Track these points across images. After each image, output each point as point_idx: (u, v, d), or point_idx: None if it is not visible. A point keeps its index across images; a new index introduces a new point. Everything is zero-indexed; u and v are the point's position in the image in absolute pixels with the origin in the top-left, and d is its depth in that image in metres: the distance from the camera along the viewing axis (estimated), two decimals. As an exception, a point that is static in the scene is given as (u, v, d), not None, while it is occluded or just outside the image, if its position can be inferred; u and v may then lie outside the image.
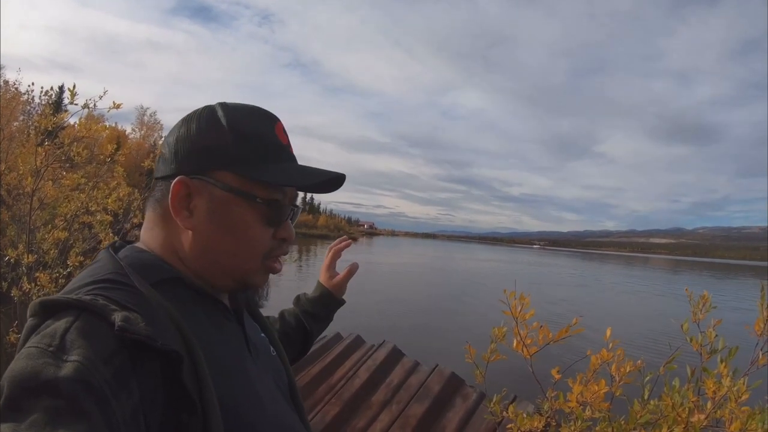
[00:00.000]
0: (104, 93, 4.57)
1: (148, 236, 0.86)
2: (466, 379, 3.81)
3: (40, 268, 4.80)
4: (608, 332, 2.33)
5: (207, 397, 0.66)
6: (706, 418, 1.95)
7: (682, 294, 2.47)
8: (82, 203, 5.24)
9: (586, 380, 2.27)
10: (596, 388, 2.16)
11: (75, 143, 4.95)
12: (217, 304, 0.86)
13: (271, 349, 1.03)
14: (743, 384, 1.90)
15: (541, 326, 2.31)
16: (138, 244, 0.86)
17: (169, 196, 0.81)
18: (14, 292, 4.41)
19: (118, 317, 0.62)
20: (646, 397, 2.16)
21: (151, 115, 54.68)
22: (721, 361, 2.02)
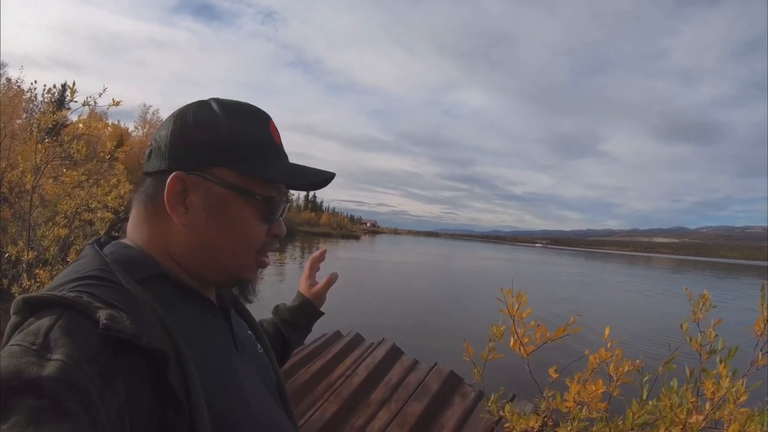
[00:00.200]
0: (104, 90, 4.57)
1: (137, 232, 0.84)
2: (464, 377, 3.81)
3: (40, 264, 4.81)
4: (607, 331, 2.32)
5: (193, 396, 0.65)
6: (704, 420, 1.94)
7: (683, 293, 2.45)
8: (82, 200, 5.25)
9: (584, 380, 2.25)
10: (593, 387, 2.14)
11: (75, 141, 4.95)
12: (203, 301, 0.85)
13: (259, 346, 1.02)
14: (742, 385, 1.89)
15: (539, 325, 2.30)
16: (124, 240, 0.84)
17: (165, 191, 0.79)
18: (15, 288, 4.42)
19: (103, 315, 0.60)
20: (644, 397, 2.15)
21: (153, 113, 54.64)
22: (721, 362, 2.01)
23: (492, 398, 2.48)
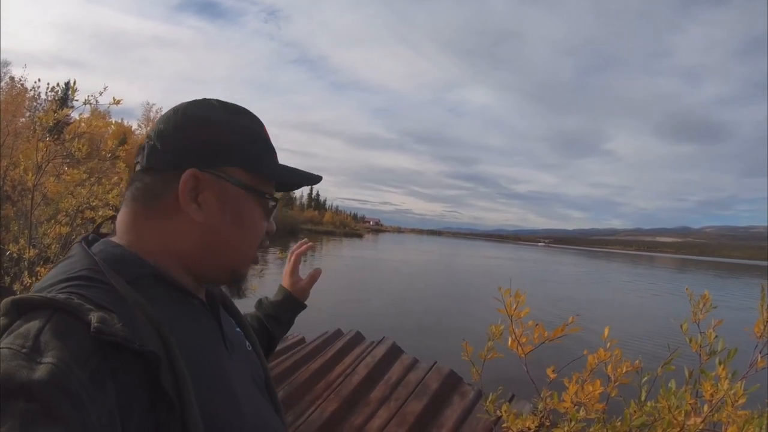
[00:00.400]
0: (104, 89, 4.57)
1: (133, 230, 0.82)
2: (464, 377, 3.81)
3: (42, 262, 4.82)
4: (606, 332, 2.31)
5: (185, 398, 0.65)
6: (702, 422, 1.93)
7: (684, 293, 2.44)
8: (84, 198, 5.26)
9: (583, 380, 2.25)
10: (591, 388, 2.14)
11: (76, 139, 4.96)
12: (194, 300, 0.85)
13: (247, 343, 1.02)
14: (740, 387, 1.87)
15: (537, 324, 2.29)
16: (113, 239, 0.83)
17: (180, 188, 0.79)
18: (16, 286, 4.43)
19: (94, 318, 0.60)
20: (643, 398, 2.14)
21: (157, 112, 54.66)
22: (720, 363, 2.00)
23: (490, 398, 2.47)
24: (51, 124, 4.67)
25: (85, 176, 5.45)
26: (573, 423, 2.08)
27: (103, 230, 0.91)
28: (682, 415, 1.92)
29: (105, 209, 5.31)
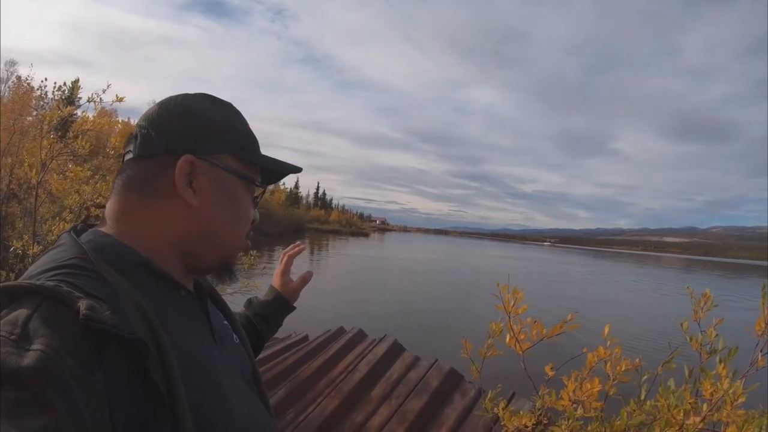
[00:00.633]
0: (108, 87, 4.58)
1: (124, 219, 0.82)
2: (465, 375, 3.81)
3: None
4: (606, 329, 2.30)
5: (174, 387, 0.65)
6: (701, 421, 1.92)
7: (687, 293, 2.44)
8: (89, 195, 5.27)
9: (582, 378, 2.24)
10: (589, 386, 2.13)
11: (80, 136, 4.97)
12: (181, 290, 0.85)
13: (234, 336, 1.02)
14: (740, 386, 1.86)
15: (535, 322, 2.29)
16: (102, 228, 0.83)
17: (176, 174, 0.80)
18: (21, 282, 4.44)
19: (83, 305, 0.59)
20: (642, 397, 2.13)
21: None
22: (720, 362, 1.99)
23: (489, 396, 2.47)
24: (56, 121, 4.69)
25: (89, 174, 5.47)
26: (571, 421, 2.07)
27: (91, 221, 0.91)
28: (681, 414, 1.91)
29: (99, 210, 5.32)
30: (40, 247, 4.79)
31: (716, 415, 1.90)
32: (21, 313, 0.58)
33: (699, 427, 1.91)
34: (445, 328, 15.27)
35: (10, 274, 4.89)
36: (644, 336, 14.77)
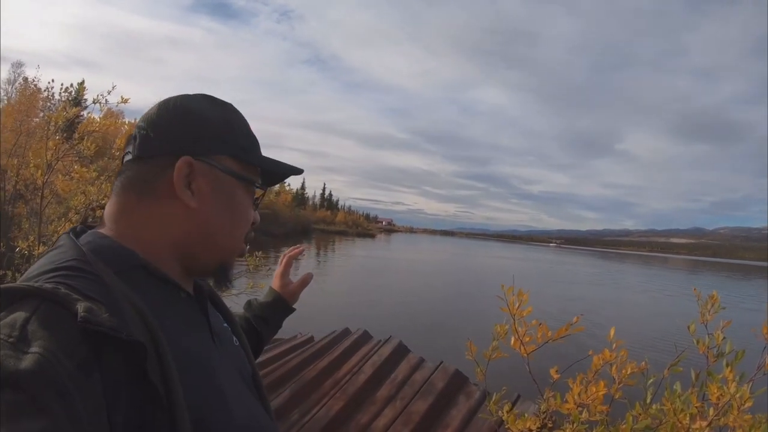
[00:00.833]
0: (113, 88, 4.60)
1: (123, 220, 0.82)
2: (470, 377, 3.81)
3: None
4: (612, 332, 2.29)
5: (172, 389, 0.64)
6: (708, 425, 1.90)
7: (693, 295, 2.42)
8: (94, 196, 5.29)
9: (587, 381, 2.23)
10: (594, 389, 2.11)
11: (86, 138, 4.99)
12: (181, 293, 0.85)
13: (234, 339, 1.02)
14: (747, 390, 1.85)
15: (540, 324, 2.27)
16: (101, 230, 0.83)
17: (174, 174, 0.80)
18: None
19: (81, 307, 0.59)
20: (648, 401, 2.11)
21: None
22: (727, 365, 1.97)
23: (494, 398, 2.46)
24: (62, 123, 4.71)
25: (95, 175, 5.49)
26: (575, 425, 2.06)
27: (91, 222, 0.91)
28: (688, 418, 1.89)
29: (100, 211, 5.34)
30: (46, 247, 4.80)
31: (723, 419, 1.89)
32: (19, 315, 0.58)
33: (705, 431, 1.89)
34: (451, 329, 15.25)
35: (17, 275, 4.91)
36: (650, 339, 14.72)
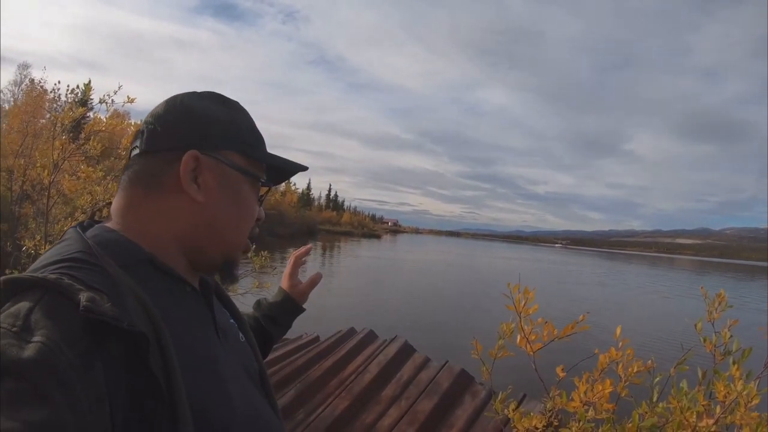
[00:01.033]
0: (119, 88, 4.62)
1: (130, 214, 0.83)
2: (476, 376, 3.80)
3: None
4: (618, 331, 2.28)
5: (173, 381, 0.65)
6: (714, 423, 1.89)
7: (701, 296, 2.41)
8: (101, 196, 5.31)
9: (593, 380, 2.22)
10: (601, 388, 2.11)
11: (92, 137, 5.01)
12: (186, 287, 0.85)
13: (241, 335, 1.02)
14: (754, 388, 1.84)
15: (546, 322, 2.27)
16: (108, 224, 0.83)
17: (181, 168, 0.81)
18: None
19: (83, 297, 0.60)
20: (654, 399, 2.11)
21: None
22: (734, 363, 1.96)
23: (500, 397, 2.45)
24: (68, 123, 4.73)
25: (101, 174, 5.51)
26: (582, 423, 2.05)
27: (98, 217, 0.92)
28: (694, 416, 1.89)
29: (107, 208, 5.36)
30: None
31: (729, 417, 1.88)
32: (23, 305, 0.59)
33: (712, 429, 1.88)
34: (456, 329, 15.24)
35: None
36: (656, 338, 14.68)
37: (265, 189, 0.99)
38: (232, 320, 1.03)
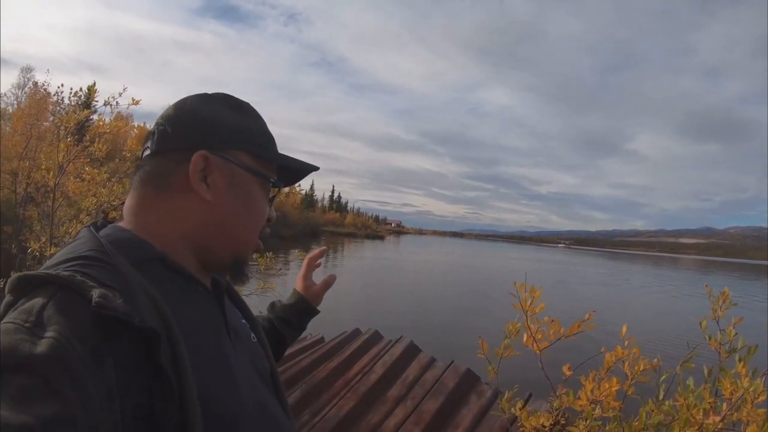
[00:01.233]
0: (124, 90, 4.63)
1: (141, 213, 0.84)
2: (481, 376, 3.80)
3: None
4: (624, 329, 2.28)
5: (183, 378, 0.65)
6: (721, 420, 1.89)
7: (705, 295, 2.41)
8: (105, 198, 5.32)
9: (600, 378, 2.22)
10: (607, 386, 2.11)
11: (97, 139, 5.03)
12: (197, 286, 0.85)
13: (252, 335, 1.02)
14: (760, 385, 1.84)
15: (552, 321, 2.27)
16: (121, 224, 0.84)
17: (190, 168, 0.82)
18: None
19: (95, 294, 0.61)
20: (660, 397, 2.11)
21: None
22: (740, 361, 1.96)
23: (506, 396, 2.45)
24: (73, 125, 4.74)
25: (106, 176, 5.52)
26: (589, 421, 2.05)
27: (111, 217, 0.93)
28: (701, 413, 1.89)
29: (119, 209, 5.36)
30: (57, 249, 4.82)
31: (736, 414, 1.88)
32: (37, 301, 0.60)
33: (719, 426, 1.89)
34: (461, 329, 15.22)
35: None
36: (661, 337, 14.64)
37: (276, 189, 0.98)
38: (244, 320, 1.03)
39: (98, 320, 0.60)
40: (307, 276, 1.46)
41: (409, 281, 30.48)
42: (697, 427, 1.88)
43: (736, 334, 2.13)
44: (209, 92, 0.92)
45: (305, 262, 1.48)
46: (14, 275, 0.65)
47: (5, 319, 0.59)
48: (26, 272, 0.65)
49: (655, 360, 2.22)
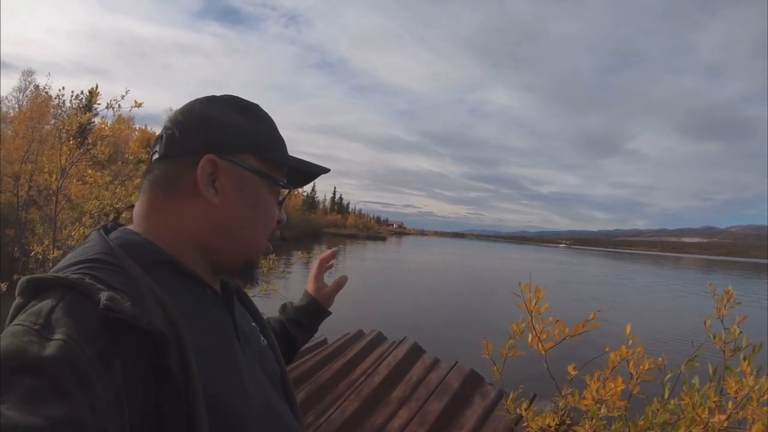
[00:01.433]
0: (126, 93, 4.63)
1: (151, 217, 0.84)
2: (486, 376, 3.79)
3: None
4: (628, 329, 2.28)
5: (191, 381, 0.66)
6: (726, 419, 1.89)
7: (709, 294, 2.41)
8: (108, 200, 5.33)
9: (605, 378, 2.22)
10: (612, 385, 2.11)
11: (99, 142, 5.03)
12: (206, 289, 0.85)
13: (262, 338, 1.02)
14: (766, 383, 1.84)
15: (557, 321, 2.27)
16: (130, 227, 0.85)
17: (198, 172, 0.82)
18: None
19: (103, 296, 0.61)
20: (666, 396, 2.11)
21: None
22: (744, 359, 1.96)
23: (511, 396, 2.45)
24: (75, 128, 4.75)
25: (109, 179, 5.53)
26: (594, 421, 2.05)
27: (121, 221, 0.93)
28: (706, 412, 1.89)
29: (128, 211, 5.35)
30: (60, 252, 4.84)
31: (741, 413, 1.88)
32: (45, 304, 0.61)
33: (724, 425, 1.88)
34: (465, 329, 15.20)
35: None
36: (665, 337, 14.62)
37: (285, 192, 0.99)
38: (253, 323, 1.03)
39: (106, 323, 0.60)
40: (319, 277, 1.46)
41: (412, 282, 30.47)
42: (702, 426, 1.88)
43: (740, 332, 2.13)
44: (217, 94, 0.92)
45: (316, 263, 1.47)
46: (24, 278, 0.66)
47: (15, 322, 0.59)
48: (36, 275, 0.66)
49: (660, 359, 2.22)
